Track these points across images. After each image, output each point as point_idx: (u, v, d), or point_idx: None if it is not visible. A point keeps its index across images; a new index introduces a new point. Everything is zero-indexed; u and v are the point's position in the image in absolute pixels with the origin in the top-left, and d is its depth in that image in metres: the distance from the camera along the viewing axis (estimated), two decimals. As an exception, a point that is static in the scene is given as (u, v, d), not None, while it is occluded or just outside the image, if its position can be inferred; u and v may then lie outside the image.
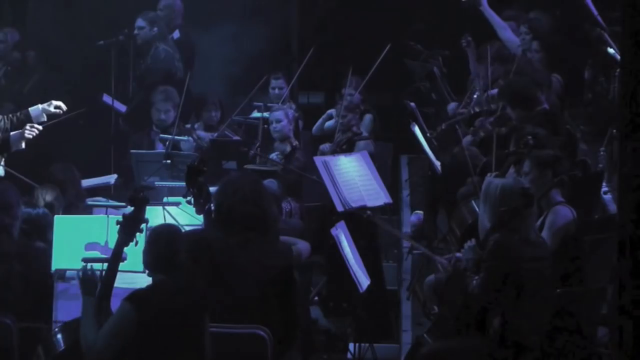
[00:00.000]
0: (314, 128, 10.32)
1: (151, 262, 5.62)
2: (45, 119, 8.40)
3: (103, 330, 5.44)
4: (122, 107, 10.53)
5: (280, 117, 9.40)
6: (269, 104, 10.00)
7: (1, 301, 6.49)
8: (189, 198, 6.48)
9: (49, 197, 7.57)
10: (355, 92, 9.96)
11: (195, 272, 5.64)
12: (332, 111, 10.30)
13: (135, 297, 5.49)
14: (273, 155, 9.32)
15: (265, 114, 9.77)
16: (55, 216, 7.19)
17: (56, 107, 8.43)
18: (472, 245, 6.34)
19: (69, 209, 7.59)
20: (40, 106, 8.43)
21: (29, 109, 8.42)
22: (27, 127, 8.29)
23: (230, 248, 5.96)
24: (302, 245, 6.91)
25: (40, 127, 8.33)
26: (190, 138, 9.58)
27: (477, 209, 7.41)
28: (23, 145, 8.37)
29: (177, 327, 5.45)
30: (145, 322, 5.40)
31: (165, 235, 5.65)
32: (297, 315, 6.22)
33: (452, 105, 8.91)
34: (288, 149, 9.36)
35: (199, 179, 6.21)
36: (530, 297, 6.08)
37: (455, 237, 7.82)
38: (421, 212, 9.39)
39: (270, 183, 8.10)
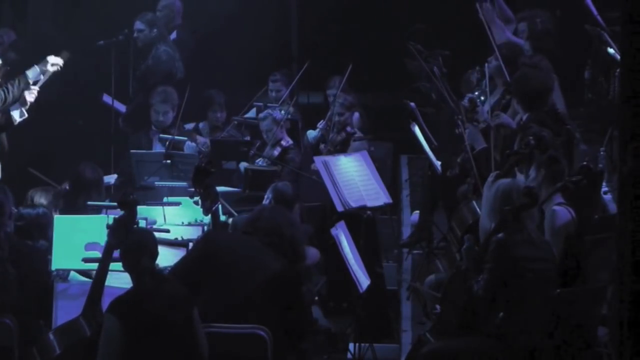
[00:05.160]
0: (310, 139, 10.26)
1: (122, 264, 5.67)
2: (42, 80, 8.44)
3: (99, 353, 5.46)
4: (122, 107, 10.52)
5: (270, 125, 9.40)
6: (269, 104, 10.00)
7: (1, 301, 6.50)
8: (195, 199, 6.48)
9: (42, 200, 7.58)
10: (338, 92, 9.95)
11: (162, 274, 5.66)
12: (311, 133, 10.23)
13: (113, 304, 5.53)
14: (259, 162, 9.31)
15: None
16: (55, 216, 7.21)
17: (53, 64, 8.45)
18: (470, 244, 6.33)
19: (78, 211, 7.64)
20: (37, 67, 8.46)
21: (26, 71, 8.44)
22: (25, 93, 8.33)
23: (236, 249, 5.95)
24: (311, 253, 6.91)
25: (37, 88, 8.39)
26: (192, 144, 9.56)
27: (477, 209, 7.40)
28: (26, 114, 8.40)
29: (160, 327, 5.47)
30: (128, 326, 5.42)
31: (135, 239, 5.69)
32: (306, 320, 6.23)
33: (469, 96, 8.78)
34: (276, 152, 9.35)
35: (205, 180, 6.21)
36: (533, 297, 6.08)
37: (455, 237, 7.80)
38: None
39: (284, 186, 8.09)
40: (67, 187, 8.25)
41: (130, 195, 6.05)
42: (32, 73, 8.45)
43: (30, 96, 8.35)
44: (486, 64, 8.58)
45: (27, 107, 8.38)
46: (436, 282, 7.49)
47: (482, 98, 8.58)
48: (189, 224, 7.40)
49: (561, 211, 6.61)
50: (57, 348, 5.75)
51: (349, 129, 9.73)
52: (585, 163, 7.18)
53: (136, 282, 5.60)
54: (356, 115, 10.13)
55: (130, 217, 5.93)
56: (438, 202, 9.06)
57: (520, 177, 6.90)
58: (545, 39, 8.88)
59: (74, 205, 7.80)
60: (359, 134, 9.77)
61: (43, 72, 8.45)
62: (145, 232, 5.87)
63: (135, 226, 6.02)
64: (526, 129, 7.35)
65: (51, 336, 5.83)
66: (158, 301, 5.51)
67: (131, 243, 5.64)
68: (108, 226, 5.94)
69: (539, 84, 7.84)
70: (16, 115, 8.39)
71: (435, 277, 7.66)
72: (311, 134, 10.15)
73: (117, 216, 6.02)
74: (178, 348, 5.48)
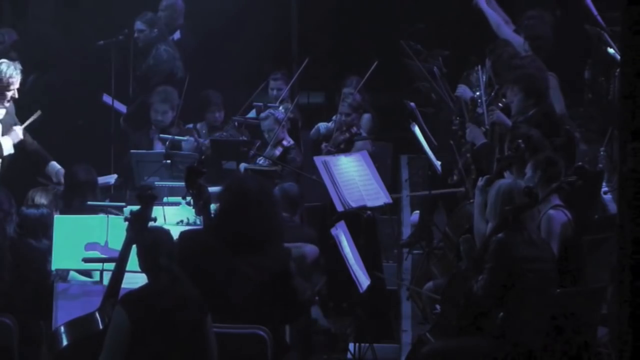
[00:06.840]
0: (312, 133, 10.27)
1: (139, 263, 5.65)
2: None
3: (105, 344, 5.46)
4: (122, 107, 10.52)
5: (271, 125, 9.40)
6: (269, 104, 10.00)
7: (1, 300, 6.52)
8: (188, 199, 6.47)
9: (42, 200, 7.59)
10: (355, 91, 9.94)
11: (179, 274, 5.63)
12: (322, 124, 10.25)
13: (125, 298, 5.53)
14: (260, 161, 9.30)
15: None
16: (55, 216, 7.21)
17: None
18: (469, 245, 6.33)
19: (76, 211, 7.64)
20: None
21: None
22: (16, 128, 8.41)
23: (224, 250, 5.92)
24: (308, 249, 6.85)
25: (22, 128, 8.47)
26: (191, 138, 9.57)
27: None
28: (12, 150, 8.46)
29: (170, 327, 5.45)
30: (137, 321, 5.41)
31: (150, 238, 5.67)
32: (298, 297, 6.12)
33: (461, 89, 8.74)
34: (277, 152, 9.35)
35: (198, 180, 6.20)
36: (533, 297, 6.08)
37: (451, 242, 7.78)
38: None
39: (291, 187, 8.06)
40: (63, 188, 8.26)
41: (148, 190, 6.05)
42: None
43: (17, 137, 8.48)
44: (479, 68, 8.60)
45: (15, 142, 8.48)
46: (434, 288, 7.49)
47: (483, 98, 8.59)
48: (189, 224, 7.40)
49: (557, 214, 6.61)
50: (64, 340, 5.74)
51: (354, 129, 9.71)
52: (580, 164, 7.17)
53: (152, 279, 5.58)
54: (367, 116, 10.12)
55: (147, 211, 5.92)
56: (438, 202, 9.06)
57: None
58: (545, 39, 8.88)
59: (69, 206, 7.80)
60: (363, 134, 9.77)
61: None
62: (161, 231, 5.80)
63: (151, 223, 5.99)
64: (515, 129, 7.35)
65: (62, 328, 5.82)
66: (170, 300, 5.48)
67: (147, 243, 5.62)
68: (126, 219, 5.94)
69: (537, 81, 7.87)
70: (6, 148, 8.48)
71: (434, 283, 7.65)
72: (323, 125, 10.11)
73: (134, 210, 6.02)
74: (184, 349, 5.46)
